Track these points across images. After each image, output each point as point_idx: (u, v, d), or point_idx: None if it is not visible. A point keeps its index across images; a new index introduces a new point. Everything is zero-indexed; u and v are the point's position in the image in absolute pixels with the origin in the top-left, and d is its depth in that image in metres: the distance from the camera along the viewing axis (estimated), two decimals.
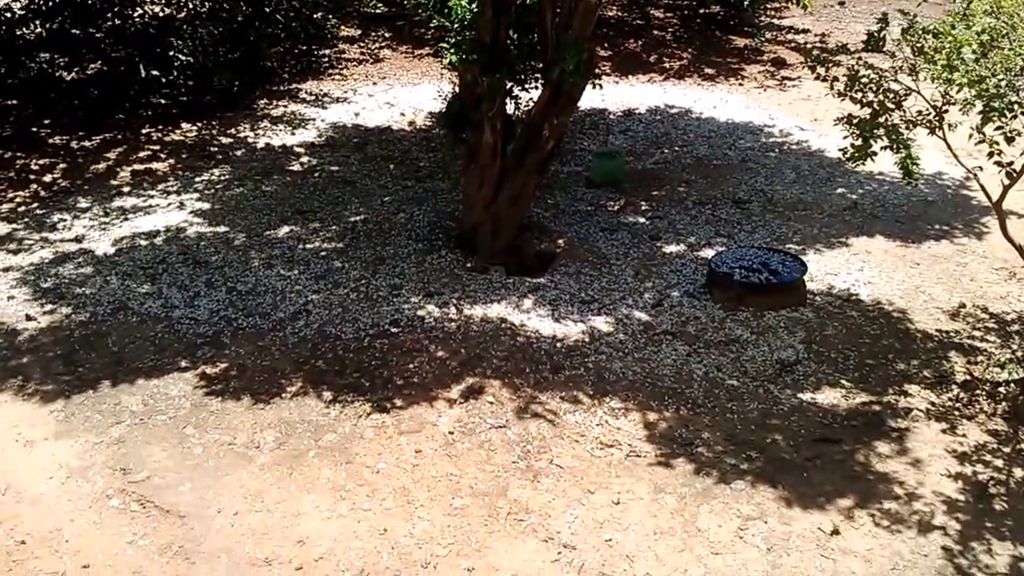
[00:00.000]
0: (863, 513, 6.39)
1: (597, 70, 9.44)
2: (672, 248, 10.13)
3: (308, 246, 9.97)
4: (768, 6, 18.23)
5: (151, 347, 8.15)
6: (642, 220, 10.79)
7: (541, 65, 9.66)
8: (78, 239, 10.17)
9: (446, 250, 9.88)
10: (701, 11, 18.33)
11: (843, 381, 7.87)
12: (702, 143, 13.04)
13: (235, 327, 8.46)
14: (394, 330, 8.40)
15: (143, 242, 10.08)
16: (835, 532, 6.24)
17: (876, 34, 8.22)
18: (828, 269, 9.69)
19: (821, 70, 8.55)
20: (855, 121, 7.88)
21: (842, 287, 9.35)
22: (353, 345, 8.16)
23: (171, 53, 13.17)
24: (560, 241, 10.20)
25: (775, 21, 18.49)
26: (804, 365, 8.08)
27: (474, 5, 9.27)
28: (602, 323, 8.63)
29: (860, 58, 8.39)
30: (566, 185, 11.60)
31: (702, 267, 9.63)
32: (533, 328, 8.51)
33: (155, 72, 13.10)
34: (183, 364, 7.89)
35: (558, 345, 8.24)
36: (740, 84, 15.36)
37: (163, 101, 13.91)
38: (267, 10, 15.24)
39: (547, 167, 9.94)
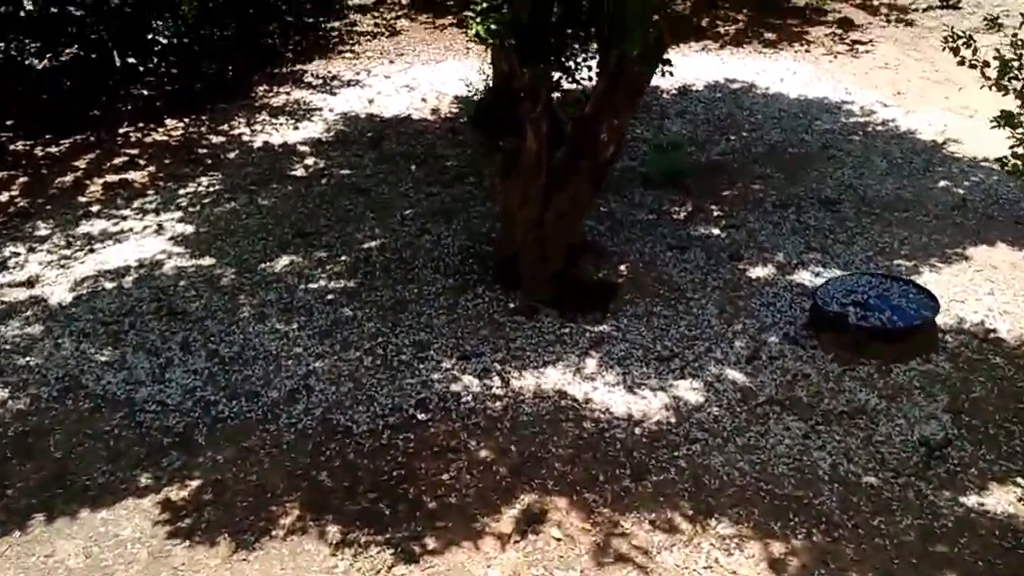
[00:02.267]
0: None
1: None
2: (758, 272, 7.88)
3: (311, 285, 7.75)
4: None
5: (103, 452, 5.98)
6: (716, 231, 8.52)
7: (595, 46, 7.33)
8: (30, 282, 7.98)
9: (483, 286, 7.65)
10: None
11: (1018, 479, 5.65)
12: (773, 126, 10.67)
13: (214, 416, 6.26)
14: (421, 416, 6.19)
15: (108, 285, 7.88)
16: None
17: None
18: (952, 294, 7.47)
19: (966, 52, 6.20)
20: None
21: (974, 319, 7.15)
22: (368, 444, 5.96)
23: (150, 36, 10.83)
24: (622, 267, 7.95)
25: None
26: (957, 447, 5.90)
27: None
28: (688, 390, 6.42)
29: (1015, 36, 6.04)
30: (620, 185, 9.30)
31: (798, 297, 7.45)
32: (602, 405, 6.29)
33: (132, 60, 10.80)
34: (143, 481, 5.71)
35: (637, 432, 6.03)
36: (806, 51, 12.88)
37: (145, 92, 11.56)
38: None
39: (604, 177, 7.61)
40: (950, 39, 6.16)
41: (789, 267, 7.94)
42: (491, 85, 7.35)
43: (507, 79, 7.00)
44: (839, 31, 13.49)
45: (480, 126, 7.29)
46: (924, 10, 14.11)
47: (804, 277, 7.74)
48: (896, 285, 7.27)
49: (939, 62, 12.00)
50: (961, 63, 6.18)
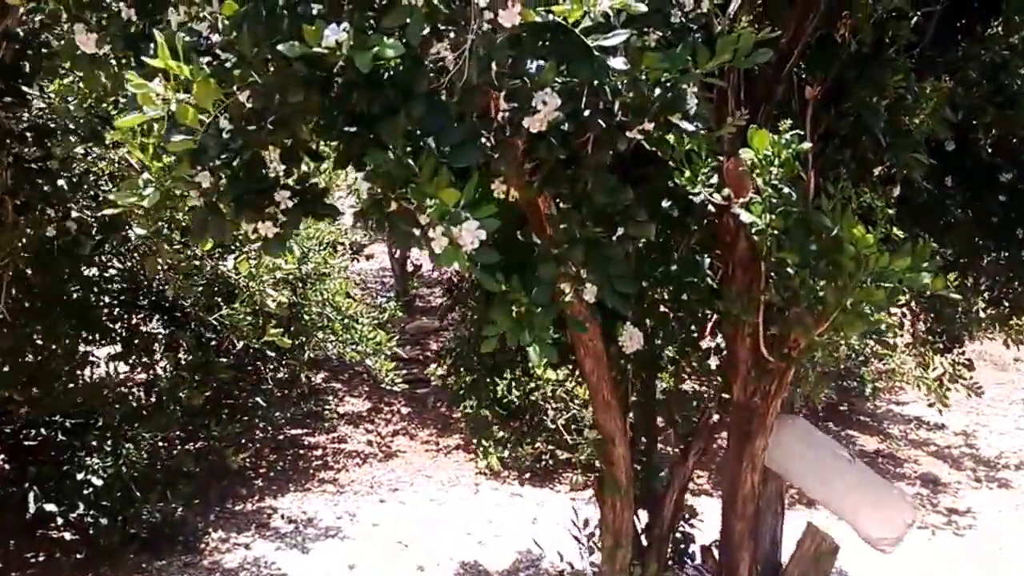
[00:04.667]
0: None
1: None
2: None
3: None
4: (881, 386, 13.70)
5: None
6: None
7: None
8: None
9: None
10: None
11: None
12: None
13: None
14: None
15: None
16: None
17: None
18: None
19: None
20: None
21: None
22: None
23: (80, 476, 8.35)
24: None
25: (894, 408, 13.90)
26: None
27: None
28: None
29: None
30: None
31: None
32: None
33: (51, 508, 8.25)
34: None
35: None
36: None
37: (67, 536, 8.86)
38: (244, 388, 10.66)
39: None
40: None
41: None
42: None
43: None
44: (926, 491, 11.19)
45: None
46: (1017, 467, 11.96)
47: None
48: None
49: None
50: None
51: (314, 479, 10.71)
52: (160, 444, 9.50)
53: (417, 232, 2.54)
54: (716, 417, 4.85)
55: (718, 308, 4.18)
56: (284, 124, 2.45)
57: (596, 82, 2.80)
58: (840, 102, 5.00)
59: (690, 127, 2.88)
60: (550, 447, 10.94)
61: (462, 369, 8.49)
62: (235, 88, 2.34)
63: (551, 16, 2.36)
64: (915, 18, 5.09)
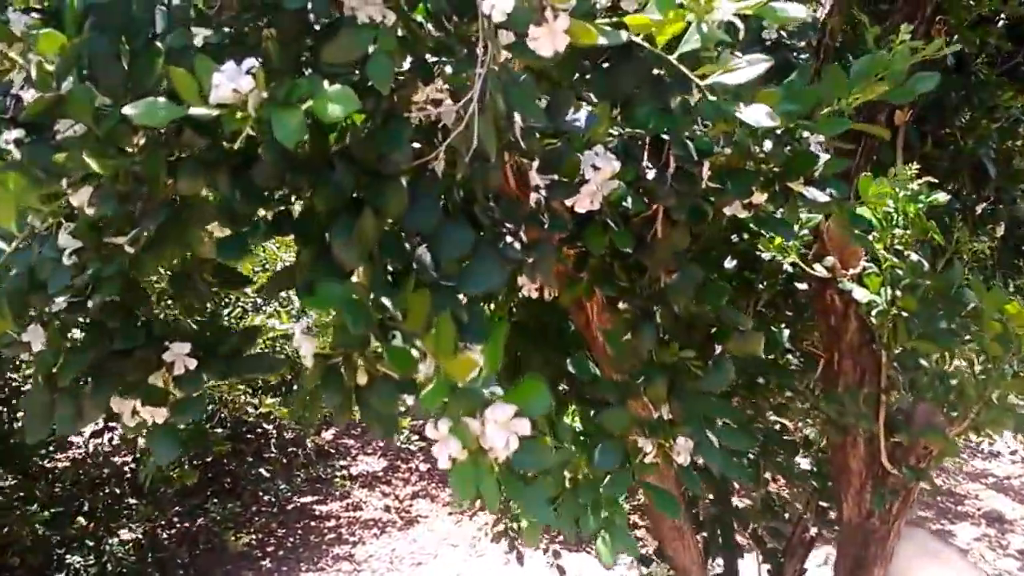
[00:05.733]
0: None
1: None
2: None
3: None
4: None
5: None
6: None
7: None
8: None
9: None
10: None
11: None
12: None
13: None
14: None
15: None
16: None
17: None
18: None
19: None
20: None
21: None
22: None
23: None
24: None
25: None
26: None
27: None
28: None
29: None
30: None
31: None
32: None
33: None
34: None
35: None
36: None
37: None
38: (247, 454, 9.66)
39: None
40: None
41: None
42: None
43: None
44: (991, 532, 10.04)
45: None
46: None
47: None
48: None
49: None
50: None
51: (328, 555, 9.59)
52: (156, 527, 8.53)
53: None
54: (814, 530, 3.78)
55: (825, 413, 3.11)
56: (169, 235, 1.40)
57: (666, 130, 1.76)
58: (937, 127, 3.95)
59: (822, 197, 1.81)
60: None
61: None
62: (64, 185, 1.32)
63: (623, 33, 1.31)
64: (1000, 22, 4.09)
